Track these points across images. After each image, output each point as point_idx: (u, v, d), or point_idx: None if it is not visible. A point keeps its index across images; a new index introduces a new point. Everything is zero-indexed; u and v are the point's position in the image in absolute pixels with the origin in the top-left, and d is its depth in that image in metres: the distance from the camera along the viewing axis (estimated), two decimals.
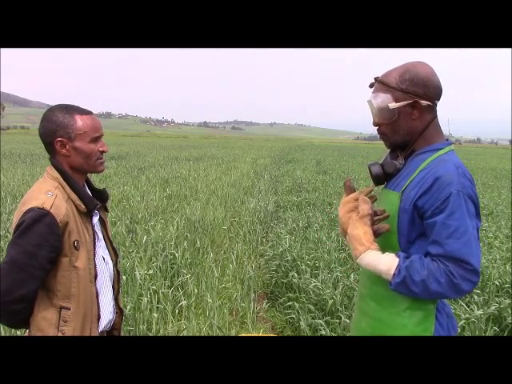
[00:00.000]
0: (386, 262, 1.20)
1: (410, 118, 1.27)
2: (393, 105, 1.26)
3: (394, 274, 1.18)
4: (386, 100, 1.27)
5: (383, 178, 1.37)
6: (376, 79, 1.33)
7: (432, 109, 1.28)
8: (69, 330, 1.32)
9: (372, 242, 1.24)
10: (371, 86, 1.34)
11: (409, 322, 1.24)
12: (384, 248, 1.28)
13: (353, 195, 1.32)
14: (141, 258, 4.10)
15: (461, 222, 1.14)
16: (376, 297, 1.31)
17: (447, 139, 1.32)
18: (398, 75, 1.26)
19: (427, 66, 1.27)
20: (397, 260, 1.20)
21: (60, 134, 1.35)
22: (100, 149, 1.41)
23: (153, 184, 9.31)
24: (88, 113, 1.40)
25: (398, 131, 1.30)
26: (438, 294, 1.15)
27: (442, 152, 1.26)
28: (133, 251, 4.27)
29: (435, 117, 1.30)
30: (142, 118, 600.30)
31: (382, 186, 1.43)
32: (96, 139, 1.40)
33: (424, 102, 1.25)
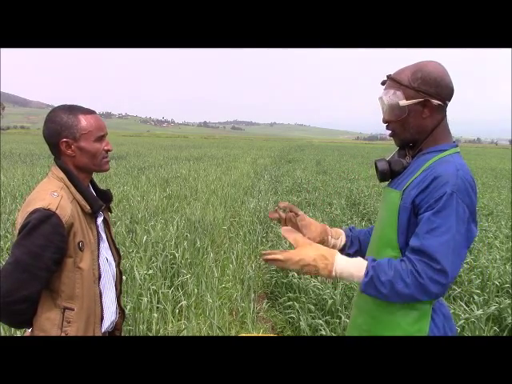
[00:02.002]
0: (356, 265, 1.22)
1: (420, 116, 1.27)
2: (403, 102, 1.26)
3: (364, 273, 1.19)
4: (396, 97, 1.27)
5: (389, 175, 1.37)
6: (388, 76, 1.33)
7: (442, 109, 1.28)
8: (72, 331, 1.32)
9: (327, 248, 1.28)
10: (383, 83, 1.35)
11: (403, 321, 1.24)
12: (384, 247, 1.29)
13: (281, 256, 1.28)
14: (141, 258, 4.10)
15: (445, 221, 1.14)
16: None
17: (454, 141, 1.31)
18: (411, 73, 1.26)
19: (440, 66, 1.27)
20: (365, 262, 1.22)
21: (65, 135, 1.34)
22: (105, 148, 1.41)
23: (153, 184, 9.32)
24: (91, 112, 1.40)
25: (407, 129, 1.30)
26: (405, 295, 1.15)
27: (446, 153, 1.26)
28: (133, 251, 4.27)
29: (445, 117, 1.29)
30: (142, 118, 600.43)
31: (385, 184, 1.43)
32: (101, 138, 1.40)
33: (435, 102, 1.25)
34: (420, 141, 1.31)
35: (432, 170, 1.21)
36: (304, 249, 1.27)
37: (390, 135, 1.36)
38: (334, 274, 1.23)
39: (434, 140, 1.29)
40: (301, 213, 1.52)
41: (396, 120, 1.30)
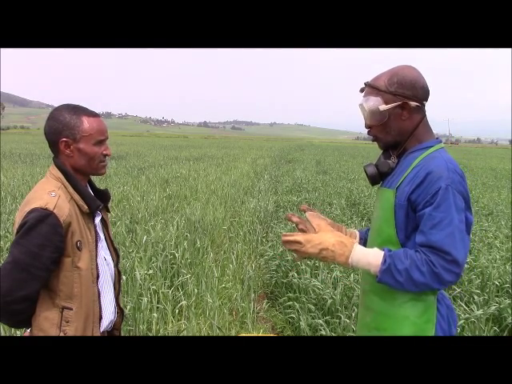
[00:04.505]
0: (374, 254, 1.26)
1: (400, 118, 1.33)
2: (383, 107, 1.32)
3: (382, 262, 1.23)
4: (376, 103, 1.33)
5: (378, 177, 1.43)
6: (366, 84, 1.39)
7: (420, 109, 1.34)
8: (71, 331, 1.32)
9: (349, 238, 1.32)
10: (362, 90, 1.41)
11: (411, 314, 1.28)
12: (385, 244, 1.32)
13: (297, 238, 1.30)
14: (141, 258, 4.10)
15: (446, 214, 1.19)
16: (378, 291, 1.34)
17: (437, 137, 1.37)
18: (387, 79, 1.33)
19: (413, 69, 1.34)
20: (382, 252, 1.26)
21: (65, 135, 1.35)
22: (104, 152, 1.41)
23: (153, 184, 9.32)
24: (95, 115, 1.40)
25: (389, 132, 1.36)
26: (421, 283, 1.19)
27: (432, 149, 1.31)
28: (133, 251, 4.27)
29: (424, 116, 1.36)
30: (141, 118, 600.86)
31: (378, 185, 1.47)
32: (100, 142, 1.40)
33: (413, 103, 1.31)
34: (402, 142, 1.37)
35: (423, 167, 1.26)
36: (325, 234, 1.31)
37: (373, 140, 1.43)
38: (350, 261, 1.27)
39: (416, 139, 1.35)
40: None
41: (378, 124, 1.36)
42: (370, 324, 1.38)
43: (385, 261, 1.22)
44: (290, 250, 1.34)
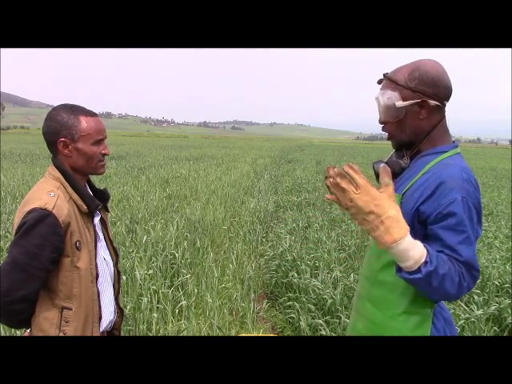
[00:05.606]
0: (420, 248, 1.06)
1: (417, 117, 1.24)
2: (400, 103, 1.23)
3: (426, 261, 1.05)
4: (393, 98, 1.24)
5: None
6: (385, 75, 1.29)
7: (440, 109, 1.25)
8: (70, 331, 1.32)
9: (406, 223, 1.08)
10: (379, 82, 1.31)
11: (403, 327, 1.21)
12: (382, 251, 1.24)
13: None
14: (141, 258, 4.10)
15: (468, 228, 1.12)
16: (373, 299, 1.29)
17: (454, 141, 1.28)
18: (408, 73, 1.23)
19: (438, 65, 1.24)
20: (424, 248, 1.08)
21: (63, 135, 1.35)
22: (102, 151, 1.41)
23: (153, 184, 9.31)
24: (93, 115, 1.40)
25: (404, 130, 1.26)
26: (445, 293, 1.09)
27: (446, 155, 1.23)
28: (133, 251, 4.27)
29: (443, 118, 1.27)
30: (141, 118, 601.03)
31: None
32: (99, 142, 1.40)
33: (432, 102, 1.22)
34: (417, 142, 1.28)
35: (435, 175, 1.17)
36: (389, 201, 1.04)
37: (388, 138, 1.33)
38: (394, 245, 1.03)
39: (431, 141, 1.26)
40: None
41: (392, 121, 1.27)
42: (361, 331, 1.33)
43: (430, 261, 1.05)
44: (334, 188, 1.07)
